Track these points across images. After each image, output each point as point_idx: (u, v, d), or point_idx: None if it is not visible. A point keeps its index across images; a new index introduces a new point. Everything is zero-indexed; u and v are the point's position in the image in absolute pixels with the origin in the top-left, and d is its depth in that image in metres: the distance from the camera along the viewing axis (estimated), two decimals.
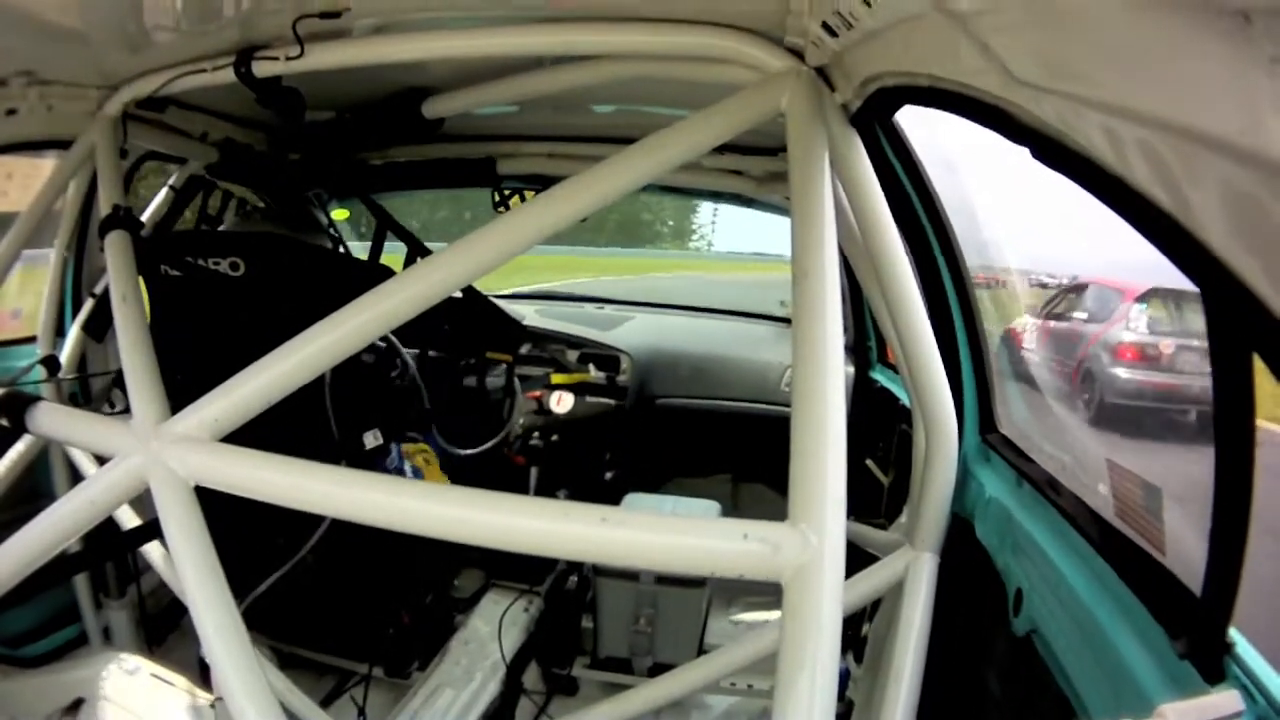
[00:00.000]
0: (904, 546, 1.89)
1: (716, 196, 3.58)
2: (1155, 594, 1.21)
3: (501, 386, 3.37)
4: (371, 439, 2.45)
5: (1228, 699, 0.96)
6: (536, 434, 3.47)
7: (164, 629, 2.91)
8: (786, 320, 4.53)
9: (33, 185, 2.47)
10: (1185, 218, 0.76)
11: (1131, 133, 0.78)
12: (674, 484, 3.86)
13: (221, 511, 1.62)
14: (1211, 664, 1.03)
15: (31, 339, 2.84)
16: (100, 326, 2.77)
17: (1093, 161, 0.88)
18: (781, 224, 3.39)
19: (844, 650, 1.84)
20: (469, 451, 3.03)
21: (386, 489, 1.48)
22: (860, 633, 2.37)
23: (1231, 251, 0.71)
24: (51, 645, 2.76)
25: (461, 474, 2.92)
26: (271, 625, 2.73)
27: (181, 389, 1.70)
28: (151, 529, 2.32)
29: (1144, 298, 7.17)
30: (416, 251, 2.97)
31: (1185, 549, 1.17)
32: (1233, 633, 1.02)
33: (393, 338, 2.75)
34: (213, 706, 2.04)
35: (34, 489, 2.54)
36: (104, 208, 2.09)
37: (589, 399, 3.62)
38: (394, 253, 3.06)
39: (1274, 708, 0.94)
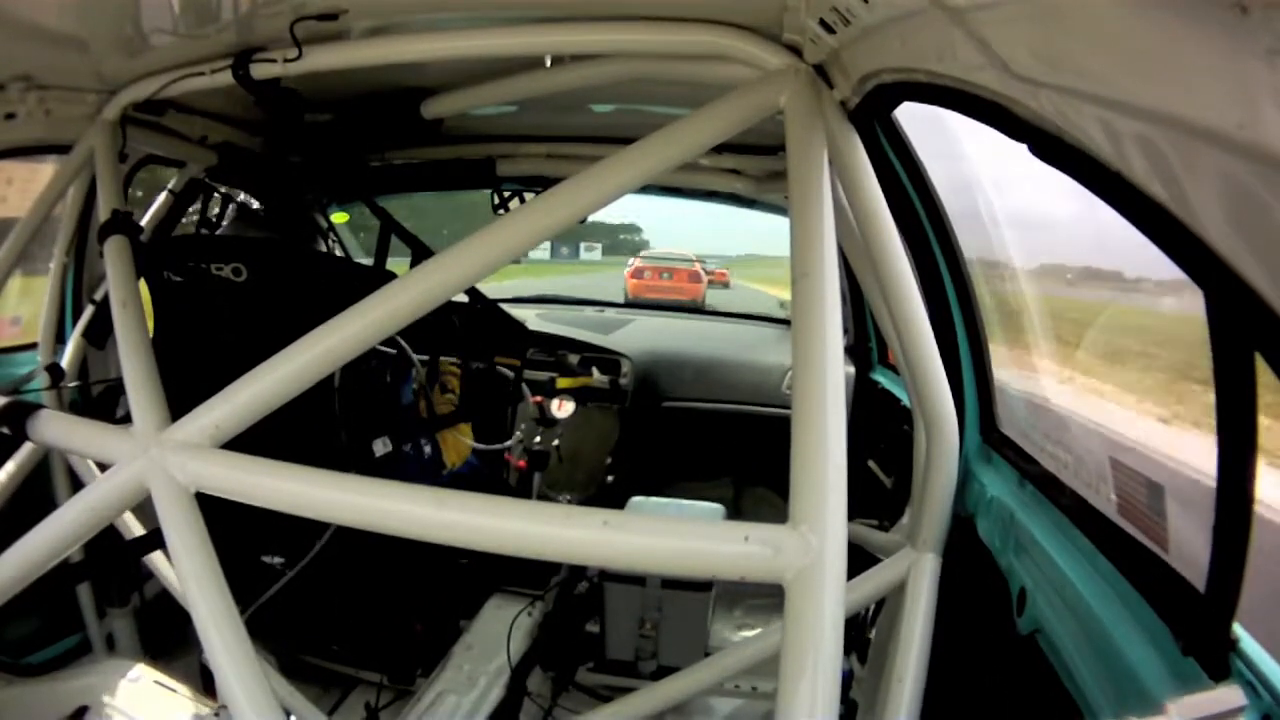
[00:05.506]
0: (906, 547, 1.89)
1: (714, 196, 3.57)
2: (1159, 591, 1.20)
3: (508, 391, 3.36)
4: (381, 446, 2.42)
5: (1230, 694, 0.96)
6: (538, 438, 3.46)
7: (167, 637, 2.89)
8: (787, 322, 4.53)
9: (32, 191, 2.47)
10: (1184, 213, 0.76)
11: (1129, 127, 0.77)
12: (678, 487, 3.85)
13: (226, 518, 1.61)
14: (1216, 660, 1.02)
15: (32, 345, 2.83)
16: (101, 333, 2.76)
17: (1091, 157, 0.88)
18: None
19: (847, 651, 1.83)
20: (485, 447, 3.00)
21: (387, 495, 1.46)
22: (864, 634, 2.36)
23: (1231, 248, 0.71)
24: (54, 653, 2.75)
25: (465, 478, 2.90)
26: (276, 632, 2.72)
27: (184, 395, 1.68)
28: (155, 537, 2.30)
29: None
30: (421, 255, 2.95)
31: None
32: (1237, 628, 1.01)
33: (403, 343, 2.74)
34: (216, 715, 2.02)
35: (36, 497, 2.52)
36: (103, 213, 2.08)
37: (590, 404, 3.61)
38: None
39: (1279, 702, 0.93)
